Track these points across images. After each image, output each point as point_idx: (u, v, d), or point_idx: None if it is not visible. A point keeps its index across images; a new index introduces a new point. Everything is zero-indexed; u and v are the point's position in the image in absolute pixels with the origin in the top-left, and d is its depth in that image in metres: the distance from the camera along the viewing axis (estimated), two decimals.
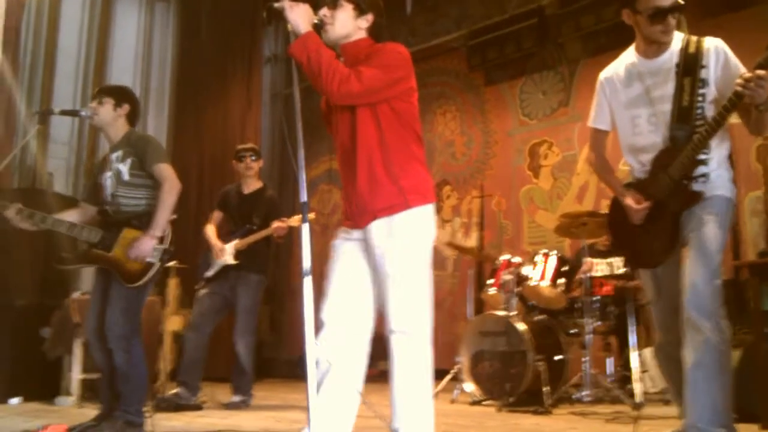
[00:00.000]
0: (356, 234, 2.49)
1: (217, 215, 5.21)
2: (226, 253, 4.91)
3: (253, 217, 4.97)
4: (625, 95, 2.84)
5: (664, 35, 2.69)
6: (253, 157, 5.14)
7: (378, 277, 2.40)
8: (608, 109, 2.92)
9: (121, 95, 3.73)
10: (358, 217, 2.45)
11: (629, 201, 2.80)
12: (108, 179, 3.59)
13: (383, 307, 2.40)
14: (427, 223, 2.45)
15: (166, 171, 3.58)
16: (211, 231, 5.09)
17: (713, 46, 2.69)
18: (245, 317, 4.90)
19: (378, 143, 2.41)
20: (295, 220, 4.81)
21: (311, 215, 4.73)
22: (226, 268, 4.92)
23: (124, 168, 3.57)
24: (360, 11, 2.51)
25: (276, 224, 4.83)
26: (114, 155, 3.61)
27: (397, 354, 2.35)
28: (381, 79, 2.38)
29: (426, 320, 2.37)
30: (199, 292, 5.04)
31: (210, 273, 4.98)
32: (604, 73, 2.95)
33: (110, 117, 3.66)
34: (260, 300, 5.13)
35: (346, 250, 2.51)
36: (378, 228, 2.40)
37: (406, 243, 2.38)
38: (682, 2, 2.63)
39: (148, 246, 3.43)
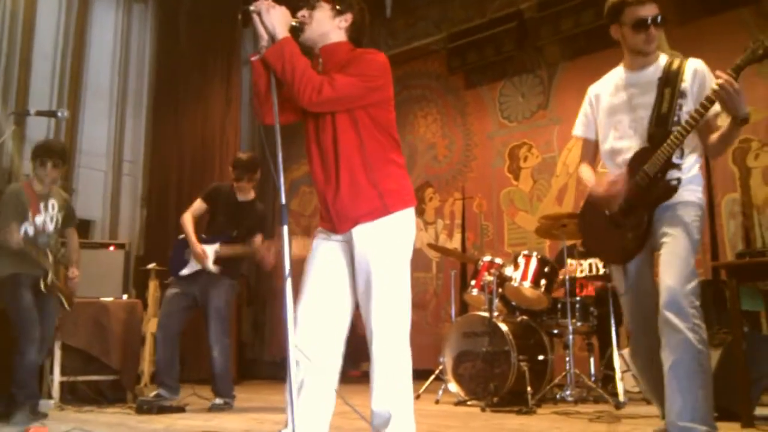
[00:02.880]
0: (336, 236, 2.49)
1: (199, 206, 5.03)
2: (207, 258, 4.86)
3: (239, 227, 4.91)
4: (610, 103, 2.98)
5: (646, 45, 2.84)
6: (257, 173, 5.08)
7: (359, 280, 2.41)
8: (594, 120, 3.07)
9: (63, 158, 4.45)
10: (337, 222, 2.44)
11: (606, 182, 2.88)
12: (46, 222, 4.30)
13: (363, 310, 2.41)
14: (408, 227, 2.46)
15: (75, 233, 4.67)
16: (189, 224, 4.90)
17: (695, 65, 2.86)
18: (217, 320, 4.84)
19: (358, 149, 2.41)
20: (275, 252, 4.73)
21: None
22: (200, 270, 4.89)
23: (59, 218, 4.40)
24: (338, 11, 2.51)
25: (259, 245, 4.76)
26: (50, 202, 4.35)
27: (377, 356, 2.36)
28: (357, 87, 2.38)
29: (405, 323, 2.39)
30: (169, 290, 4.97)
31: (185, 272, 4.92)
32: (593, 88, 3.10)
33: (54, 177, 4.39)
34: (233, 303, 5.08)
35: (324, 249, 2.51)
36: (360, 233, 2.40)
37: (388, 248, 2.39)
38: (662, 16, 2.80)
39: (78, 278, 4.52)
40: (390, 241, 2.40)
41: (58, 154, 4.36)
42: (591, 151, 3.12)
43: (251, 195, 5.12)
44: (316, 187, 2.52)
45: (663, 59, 2.90)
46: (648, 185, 2.77)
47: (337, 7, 2.50)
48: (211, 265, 4.83)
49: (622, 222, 2.86)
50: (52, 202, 4.37)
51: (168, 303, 4.93)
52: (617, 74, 3.00)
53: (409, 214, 2.47)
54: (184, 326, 4.98)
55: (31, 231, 4.21)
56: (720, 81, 2.56)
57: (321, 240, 2.53)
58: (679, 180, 2.77)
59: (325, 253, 2.50)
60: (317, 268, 2.49)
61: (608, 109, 2.97)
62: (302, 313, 2.43)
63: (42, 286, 4.19)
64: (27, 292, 4.14)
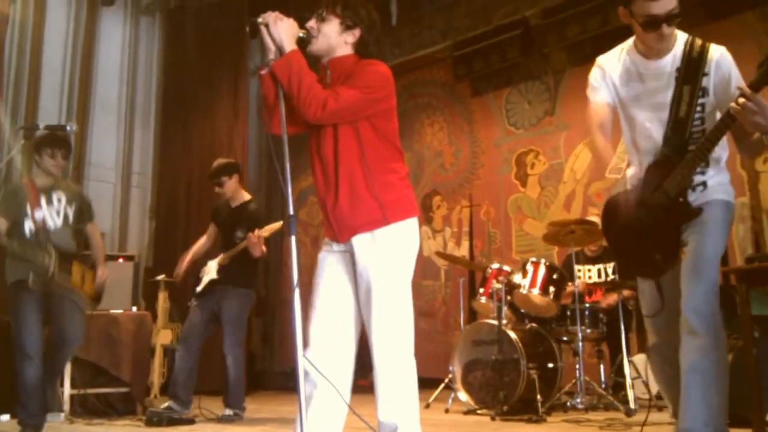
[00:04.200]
0: (338, 246, 2.50)
1: (212, 229, 5.25)
2: (209, 270, 4.97)
3: (237, 232, 4.95)
4: (622, 93, 2.73)
5: (658, 43, 2.57)
6: (226, 177, 5.10)
7: (360, 290, 2.42)
8: (607, 86, 2.75)
9: (68, 148, 4.26)
10: (337, 231, 2.46)
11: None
12: (50, 215, 4.13)
13: (365, 320, 2.42)
14: (409, 237, 2.46)
15: (97, 228, 4.56)
16: (195, 246, 5.19)
17: (718, 54, 2.59)
18: (231, 331, 4.89)
19: (359, 160, 2.42)
20: (266, 230, 4.77)
21: (279, 224, 4.65)
22: (213, 283, 4.94)
23: (70, 212, 4.22)
24: (346, 27, 2.51)
25: (249, 236, 4.76)
26: (55, 195, 4.18)
27: (380, 367, 2.36)
28: (360, 100, 2.39)
29: (408, 333, 2.39)
30: (191, 306, 5.06)
31: (198, 288, 5.01)
32: (603, 60, 2.80)
33: (62, 169, 4.25)
34: (247, 313, 5.11)
35: (330, 263, 2.52)
36: (360, 243, 2.42)
37: (387, 258, 2.39)
38: (677, 12, 2.47)
39: (107, 276, 4.42)
40: (390, 252, 2.41)
41: (67, 144, 4.25)
42: (607, 116, 2.74)
43: (244, 197, 5.18)
44: (317, 195, 2.54)
45: (680, 43, 2.60)
46: (670, 207, 2.58)
47: (347, 22, 2.51)
48: (213, 274, 4.94)
49: (646, 241, 2.66)
50: (58, 196, 4.20)
51: (189, 317, 5.04)
52: (628, 56, 2.69)
53: (410, 224, 2.46)
54: (205, 339, 5.02)
55: (33, 227, 4.07)
56: (741, 100, 2.34)
57: (326, 252, 2.54)
58: (704, 184, 2.60)
59: (332, 266, 2.51)
60: (326, 282, 2.50)
61: (620, 101, 2.73)
62: (314, 328, 2.44)
63: (30, 281, 3.95)
64: (30, 304, 3.99)
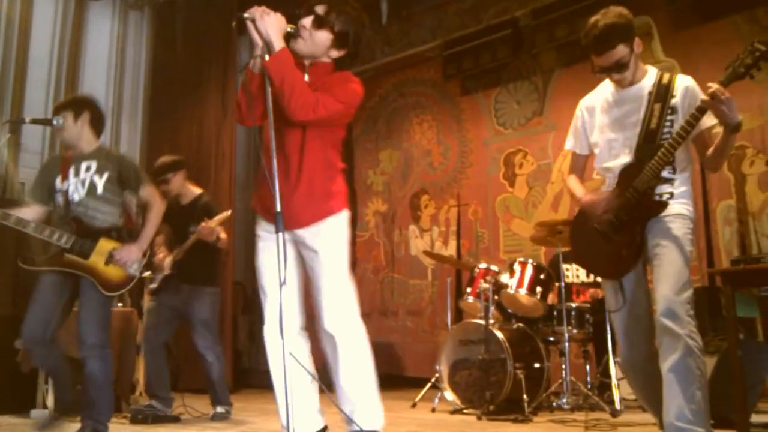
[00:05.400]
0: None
1: (165, 229, 5.03)
2: (164, 265, 4.88)
3: (191, 227, 4.87)
4: (603, 120, 2.99)
5: (617, 82, 2.92)
6: (171, 175, 4.99)
7: (312, 269, 2.61)
8: (585, 135, 3.09)
9: (77, 105, 3.79)
10: (288, 221, 2.49)
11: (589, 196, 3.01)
12: (75, 186, 3.65)
13: (315, 305, 2.59)
14: (347, 227, 2.70)
15: (154, 192, 3.83)
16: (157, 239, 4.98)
17: (686, 82, 2.87)
18: (207, 331, 4.87)
19: (321, 161, 2.60)
20: (215, 220, 4.72)
21: (227, 213, 4.67)
22: (171, 280, 4.87)
23: (99, 181, 3.67)
24: (338, 45, 2.61)
25: (200, 227, 4.69)
26: (84, 164, 3.68)
27: (338, 351, 2.54)
28: (342, 113, 2.59)
29: (355, 312, 2.58)
30: (149, 303, 5.03)
31: (154, 285, 4.94)
32: (584, 102, 3.12)
33: (75, 131, 3.72)
34: (218, 311, 5.07)
35: (273, 248, 2.53)
36: (310, 232, 2.59)
37: (334, 245, 2.62)
38: (626, 61, 2.81)
39: (134, 255, 3.63)
40: (335, 240, 2.62)
41: (77, 104, 3.79)
42: (580, 164, 3.18)
43: (194, 192, 5.10)
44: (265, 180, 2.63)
45: (652, 74, 2.91)
46: (638, 201, 2.81)
47: (341, 40, 2.61)
48: (166, 269, 4.87)
49: (613, 238, 2.87)
50: (88, 164, 3.68)
51: (149, 315, 4.98)
52: (607, 89, 3.01)
53: (347, 215, 2.70)
54: (169, 337, 5.00)
55: (61, 200, 3.67)
56: (710, 90, 2.58)
57: (268, 242, 2.66)
58: (671, 194, 2.81)
59: (272, 250, 2.59)
60: (272, 266, 2.57)
61: (601, 127, 2.99)
62: (270, 309, 2.64)
63: (32, 259, 3.61)
64: (41, 293, 3.57)
